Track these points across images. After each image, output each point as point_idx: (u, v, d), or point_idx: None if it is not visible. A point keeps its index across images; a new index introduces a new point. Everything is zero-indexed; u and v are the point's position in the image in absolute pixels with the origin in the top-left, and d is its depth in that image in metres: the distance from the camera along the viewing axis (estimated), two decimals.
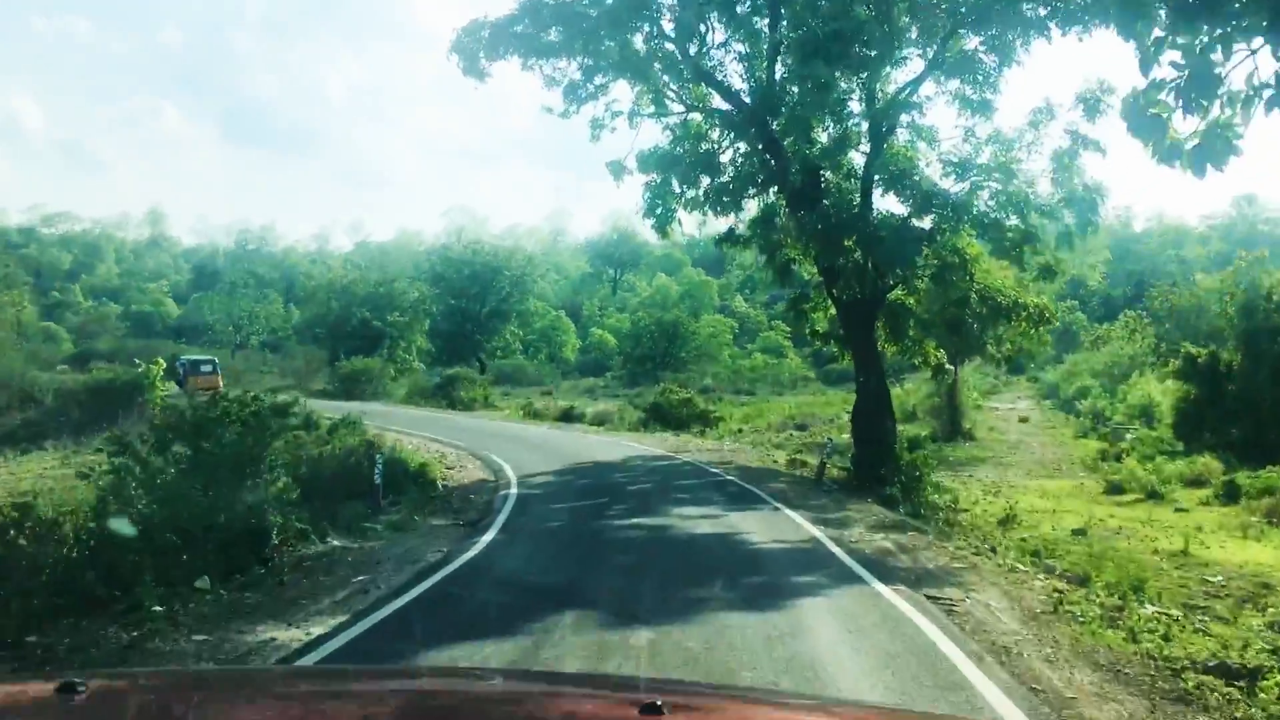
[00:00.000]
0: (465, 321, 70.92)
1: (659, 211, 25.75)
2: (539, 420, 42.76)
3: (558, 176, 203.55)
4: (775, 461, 27.46)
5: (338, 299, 70.66)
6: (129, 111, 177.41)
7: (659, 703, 2.10)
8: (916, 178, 22.88)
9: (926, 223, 22.81)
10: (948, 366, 29.11)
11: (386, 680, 3.17)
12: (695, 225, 32.97)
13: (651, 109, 25.95)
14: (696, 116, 26.36)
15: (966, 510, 20.30)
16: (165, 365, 40.75)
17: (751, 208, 26.29)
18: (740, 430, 38.63)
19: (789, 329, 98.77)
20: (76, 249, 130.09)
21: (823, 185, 23.93)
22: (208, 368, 47.98)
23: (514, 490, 21.30)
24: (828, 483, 22.64)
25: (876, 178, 23.35)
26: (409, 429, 33.97)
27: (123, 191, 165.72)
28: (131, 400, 35.56)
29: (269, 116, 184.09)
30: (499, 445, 30.13)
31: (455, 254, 71.59)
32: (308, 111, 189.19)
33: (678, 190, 25.55)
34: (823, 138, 24.37)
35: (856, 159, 24.57)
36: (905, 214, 23.15)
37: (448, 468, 25.24)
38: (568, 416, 43.03)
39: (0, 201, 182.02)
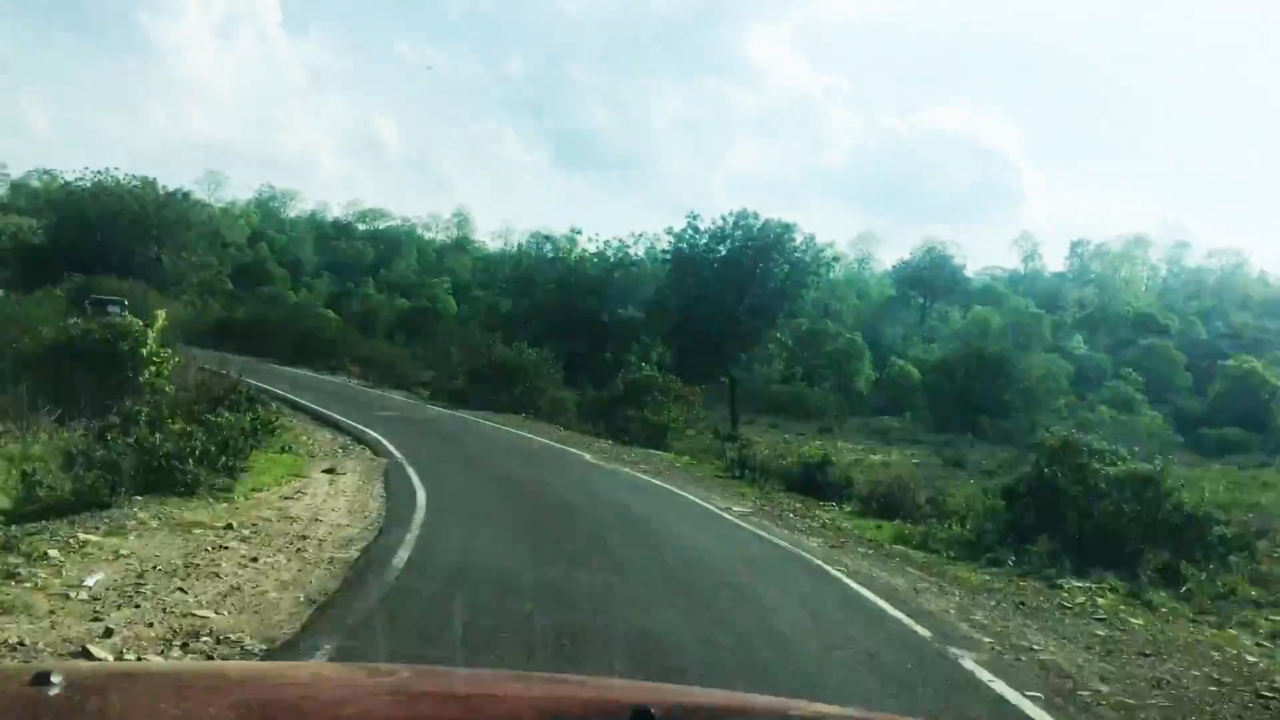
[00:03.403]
0: (713, 321, 52.00)
1: None
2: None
3: (872, 220, 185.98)
4: None
5: (558, 280, 53.79)
6: (473, 134, 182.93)
7: (650, 709, 1.96)
8: None
9: None
10: None
11: (369, 677, 2.87)
12: None
13: None
14: None
15: None
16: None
17: None
18: None
19: (1142, 378, 76.97)
20: (382, 244, 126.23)
21: None
22: (114, 309, 37.16)
23: None
24: None
25: None
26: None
27: (463, 211, 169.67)
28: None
29: (596, 144, 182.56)
30: None
31: (710, 227, 53.20)
32: (631, 141, 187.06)
33: None
34: None
35: None
36: None
37: None
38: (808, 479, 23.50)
39: (340, 197, 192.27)
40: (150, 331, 26.57)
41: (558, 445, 25.07)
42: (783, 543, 14.41)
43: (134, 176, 62.38)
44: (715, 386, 49.95)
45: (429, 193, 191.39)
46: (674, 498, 18.13)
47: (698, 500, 17.87)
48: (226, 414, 18.81)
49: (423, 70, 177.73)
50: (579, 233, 56.00)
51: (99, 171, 62.34)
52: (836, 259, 52.58)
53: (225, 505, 13.26)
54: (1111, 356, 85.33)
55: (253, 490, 14.83)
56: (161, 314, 29.91)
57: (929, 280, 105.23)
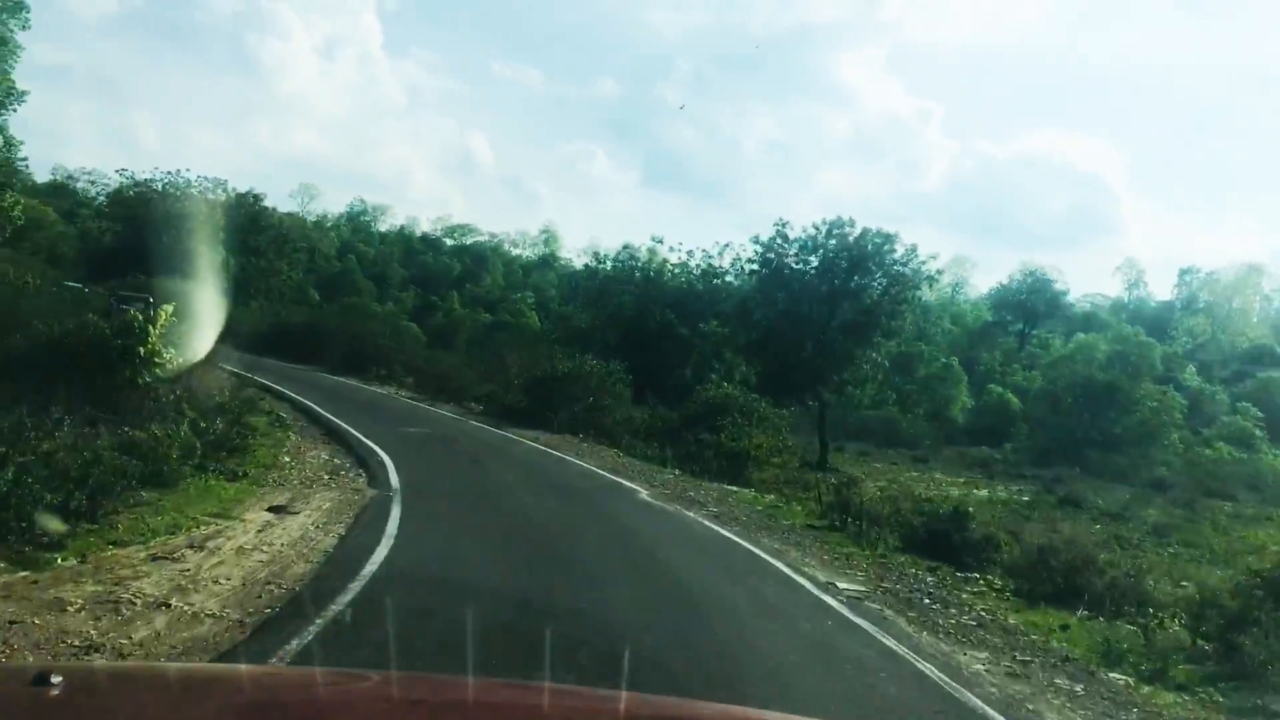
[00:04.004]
0: (803, 337, 46.10)
1: None
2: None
3: (965, 245, 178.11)
4: None
5: (634, 291, 48.39)
6: (564, 153, 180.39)
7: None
8: None
9: None
10: None
11: (366, 684, 2.81)
12: None
13: None
14: None
15: None
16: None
17: None
18: None
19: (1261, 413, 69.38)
20: (469, 259, 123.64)
21: None
22: (131, 306, 31.06)
23: None
24: None
25: None
26: None
27: (550, 227, 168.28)
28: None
29: (685, 164, 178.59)
30: None
31: (801, 235, 47.21)
32: (720, 162, 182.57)
33: None
34: None
35: None
36: None
37: None
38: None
39: (430, 212, 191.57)
40: (152, 329, 22.20)
41: (609, 475, 19.67)
42: (934, 670, 8.54)
43: (206, 178, 59.01)
44: (800, 409, 44.19)
45: (518, 210, 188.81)
46: (753, 562, 12.55)
47: (787, 570, 12.21)
48: (154, 428, 13.92)
49: (518, 89, 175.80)
50: (659, 241, 50.34)
51: (170, 172, 59.12)
52: (940, 273, 46.25)
53: (50, 573, 8.14)
54: (1226, 389, 77.93)
55: (133, 538, 9.72)
56: (167, 309, 25.35)
57: (1029, 305, 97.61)
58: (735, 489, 20.41)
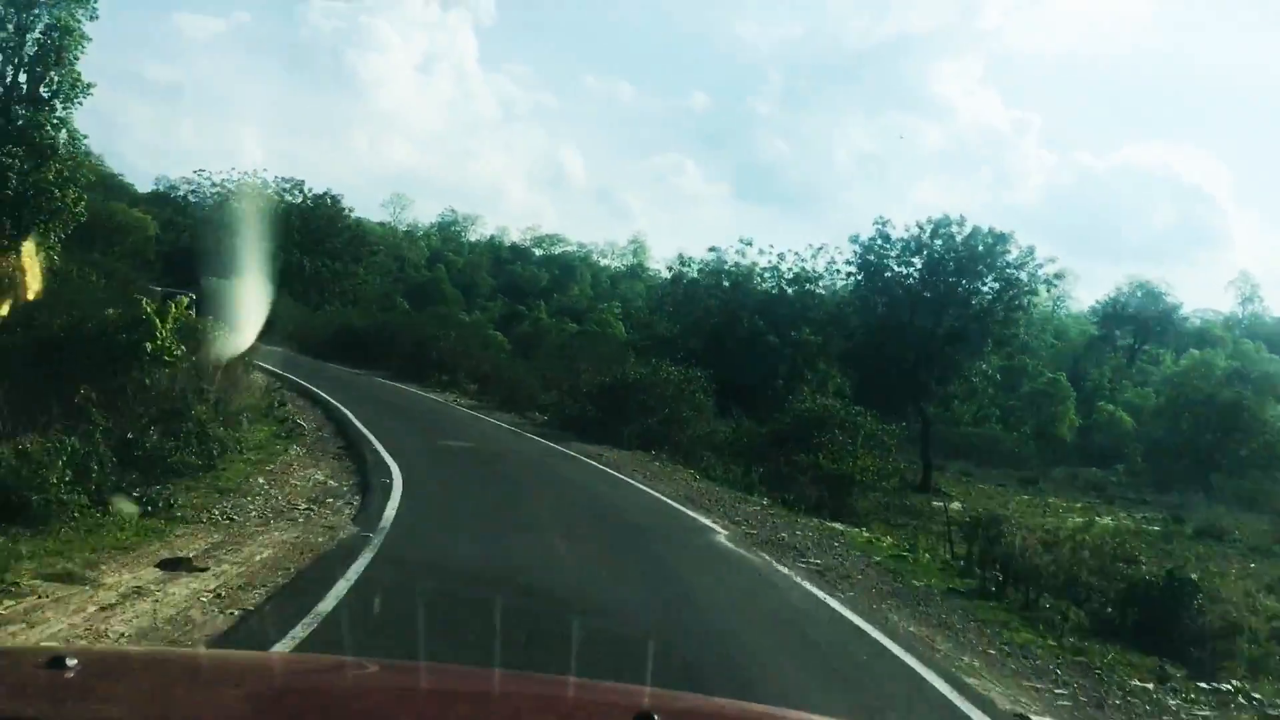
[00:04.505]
0: (904, 346, 40.93)
1: None
2: None
3: (1064, 259, 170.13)
4: None
5: (720, 296, 43.73)
6: (654, 165, 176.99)
7: (654, 716, 1.91)
8: None
9: None
10: None
11: (380, 673, 2.66)
12: None
13: None
14: None
15: None
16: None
17: None
18: None
19: None
20: (557, 269, 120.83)
21: None
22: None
23: None
24: None
25: None
26: None
27: (639, 238, 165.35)
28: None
29: (777, 177, 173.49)
30: None
31: (904, 235, 41.89)
32: (812, 174, 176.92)
33: None
34: None
35: None
36: None
37: None
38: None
39: (520, 223, 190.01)
40: (162, 324, 18.73)
41: (680, 507, 15.10)
42: None
43: (282, 179, 56.11)
44: (897, 424, 39.14)
45: (608, 221, 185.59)
46: (889, 667, 7.67)
47: (944, 686, 7.26)
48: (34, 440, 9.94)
49: (610, 102, 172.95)
50: (748, 243, 45.39)
51: (246, 173, 56.42)
52: (1059, 277, 40.64)
53: None
54: None
55: None
56: (183, 301, 21.76)
57: (1139, 319, 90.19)
58: (839, 526, 15.60)
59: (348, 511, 11.66)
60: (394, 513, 11.52)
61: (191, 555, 8.53)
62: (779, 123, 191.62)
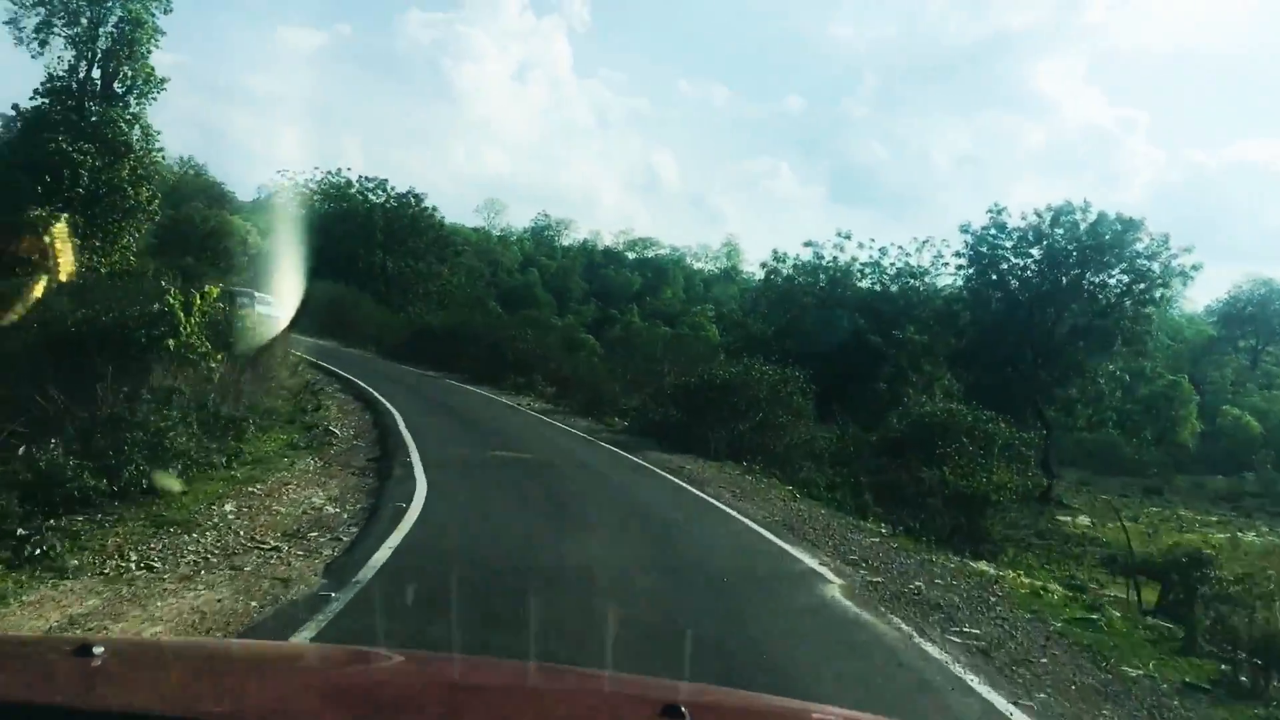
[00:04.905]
0: (1021, 345, 36.52)
1: None
2: None
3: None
4: None
5: (818, 294, 39.84)
6: (748, 169, 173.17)
7: (681, 708, 1.85)
8: None
9: None
10: None
11: (409, 664, 2.58)
12: None
13: None
14: None
15: None
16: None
17: None
18: None
19: None
20: (650, 272, 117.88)
21: None
22: (244, 300, 27.81)
23: None
24: None
25: None
26: None
27: (732, 241, 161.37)
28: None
29: (873, 179, 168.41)
30: None
31: (1021, 224, 37.25)
32: (909, 176, 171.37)
33: None
34: None
35: None
36: None
37: None
38: None
39: (613, 227, 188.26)
40: (188, 318, 17.08)
41: (774, 538, 11.42)
42: None
43: (367, 178, 53.84)
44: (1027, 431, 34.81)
45: (702, 226, 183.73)
46: None
47: None
48: None
49: (704, 106, 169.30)
50: (847, 237, 41.31)
51: (330, 172, 54.37)
52: (1197, 268, 35.76)
53: None
54: None
55: None
56: (212, 291, 19.03)
57: (1259, 319, 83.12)
58: (987, 568, 11.73)
59: (328, 552, 8.42)
60: (388, 555, 8.25)
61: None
62: (874, 124, 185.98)
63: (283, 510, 9.87)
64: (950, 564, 11.34)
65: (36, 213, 27.80)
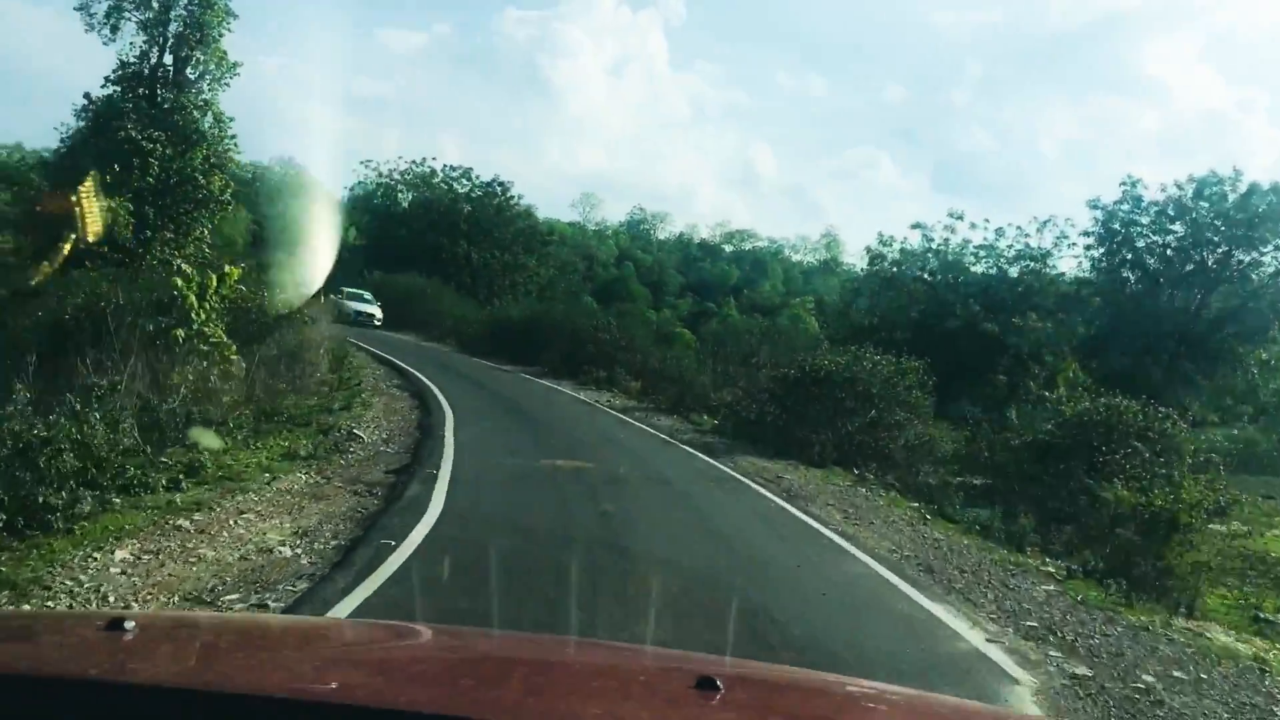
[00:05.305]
0: (1160, 333, 31.93)
1: None
2: None
3: None
4: None
5: (927, 279, 35.75)
6: (848, 161, 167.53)
7: (716, 681, 1.75)
8: None
9: None
10: None
11: (443, 639, 2.52)
12: None
13: None
14: None
15: None
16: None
17: None
18: None
19: None
20: (747, 265, 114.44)
21: None
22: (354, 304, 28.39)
23: None
24: None
25: None
26: None
27: (832, 232, 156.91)
28: None
29: (977, 168, 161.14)
30: None
31: (1158, 199, 32.55)
32: (1015, 164, 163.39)
33: None
34: None
35: None
36: None
37: None
38: None
39: (710, 220, 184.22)
40: (200, 304, 15.55)
41: (909, 592, 7.78)
42: None
43: (452, 167, 51.39)
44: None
45: (800, 218, 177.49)
46: None
47: None
48: None
49: (801, 98, 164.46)
50: (959, 218, 36.99)
51: (414, 162, 52.09)
52: None
53: None
54: None
55: None
56: (233, 272, 16.27)
57: None
58: (1238, 646, 7.93)
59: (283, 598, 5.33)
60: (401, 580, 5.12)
61: None
62: (978, 112, 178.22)
63: (209, 557, 6.81)
64: (1174, 630, 7.70)
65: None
